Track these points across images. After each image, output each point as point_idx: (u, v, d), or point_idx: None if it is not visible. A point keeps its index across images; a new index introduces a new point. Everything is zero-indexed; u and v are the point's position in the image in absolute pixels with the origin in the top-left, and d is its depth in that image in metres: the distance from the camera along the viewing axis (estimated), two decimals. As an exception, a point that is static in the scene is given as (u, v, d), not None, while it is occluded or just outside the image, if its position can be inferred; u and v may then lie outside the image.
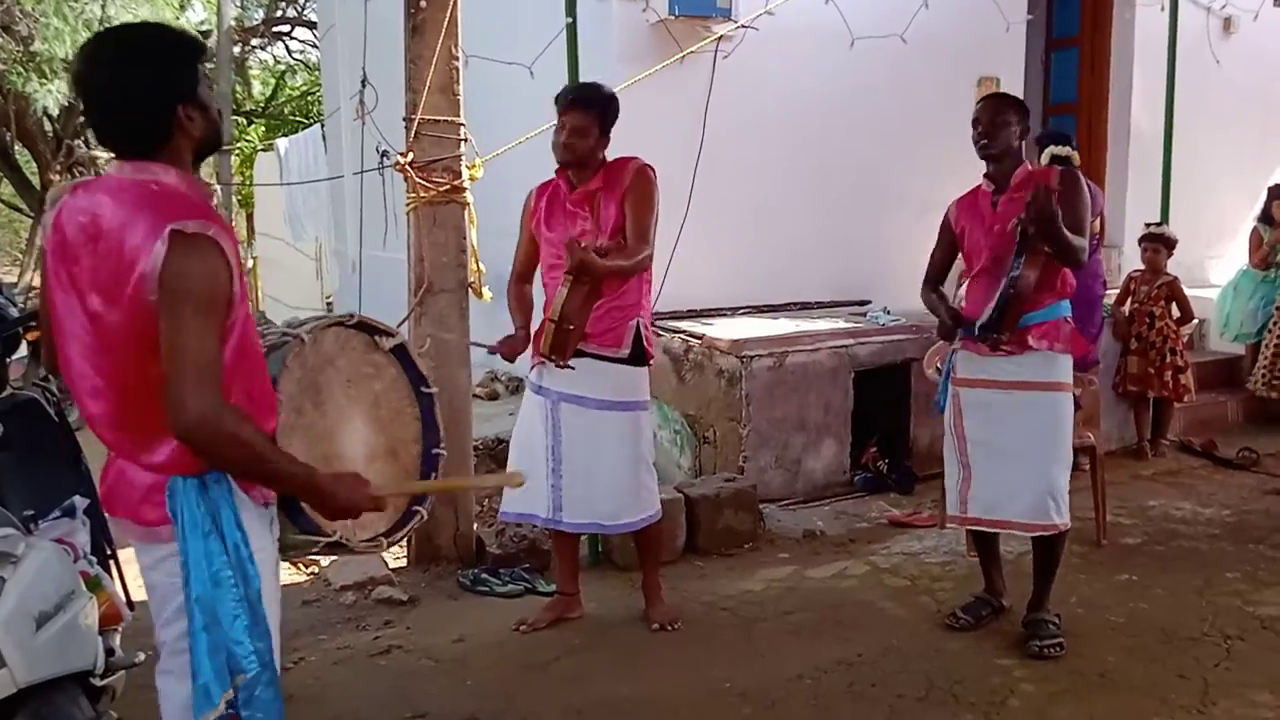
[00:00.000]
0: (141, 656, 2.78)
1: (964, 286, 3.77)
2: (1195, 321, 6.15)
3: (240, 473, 1.92)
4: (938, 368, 3.94)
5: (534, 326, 3.70)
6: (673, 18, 5.58)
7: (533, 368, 3.72)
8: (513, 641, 3.76)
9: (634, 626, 3.86)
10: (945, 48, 6.55)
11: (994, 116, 3.50)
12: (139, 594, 3.16)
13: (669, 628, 3.80)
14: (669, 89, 5.71)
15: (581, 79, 4.39)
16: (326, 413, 2.30)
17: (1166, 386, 5.96)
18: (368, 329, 2.44)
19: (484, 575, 4.33)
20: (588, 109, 3.60)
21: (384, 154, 5.12)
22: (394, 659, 3.64)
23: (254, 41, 17.62)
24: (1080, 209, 3.43)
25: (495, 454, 5.31)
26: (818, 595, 4.14)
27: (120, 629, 2.79)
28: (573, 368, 3.54)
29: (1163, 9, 6.66)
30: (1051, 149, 5.28)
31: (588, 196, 3.63)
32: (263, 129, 19.94)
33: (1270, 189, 6.41)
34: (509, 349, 3.68)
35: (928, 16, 6.47)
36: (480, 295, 4.57)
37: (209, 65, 1.98)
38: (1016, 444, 3.53)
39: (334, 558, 2.67)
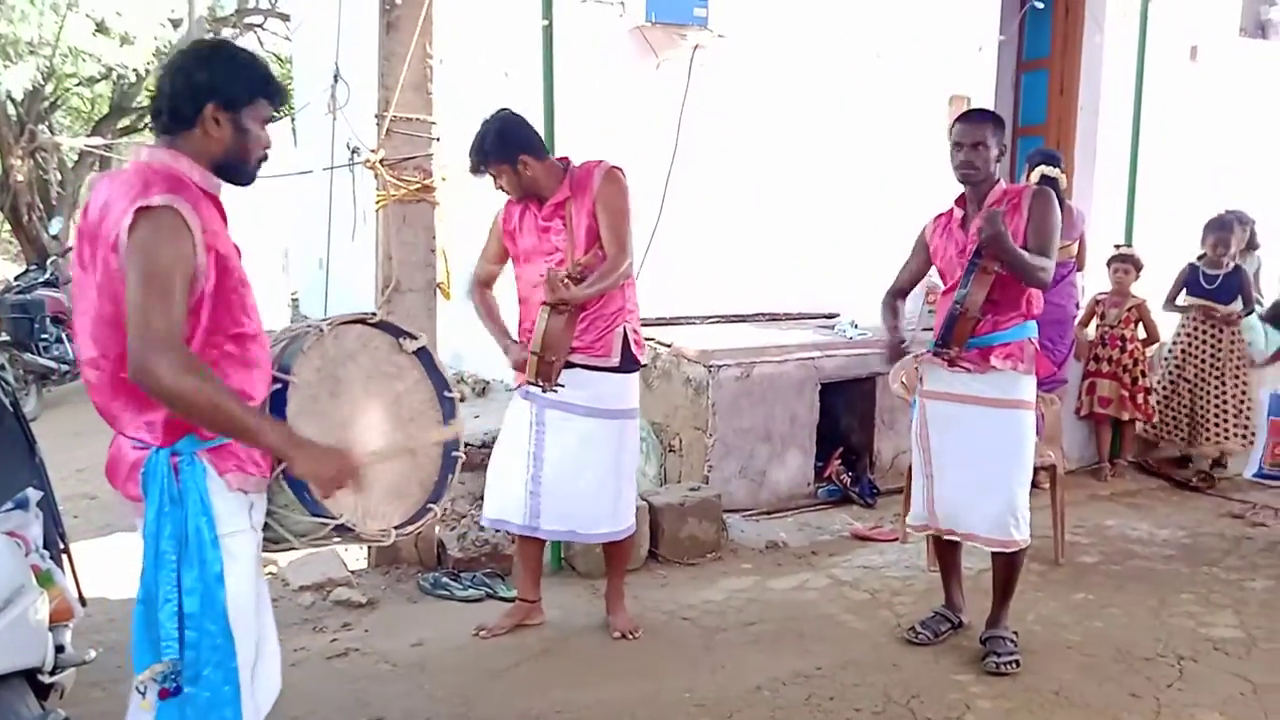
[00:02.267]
0: (93, 654, 2.73)
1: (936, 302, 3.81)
2: (1160, 343, 6.23)
3: (204, 423, 2.01)
4: (903, 383, 3.97)
5: (509, 323, 3.76)
6: (649, 24, 5.59)
7: (519, 386, 3.71)
8: (472, 646, 3.73)
9: (595, 634, 3.84)
10: (918, 65, 6.62)
11: (975, 142, 3.48)
12: (95, 590, 3.12)
13: (630, 636, 3.79)
14: (644, 96, 5.72)
15: (556, 82, 4.38)
16: (342, 404, 2.36)
17: (1138, 408, 6.05)
18: (391, 330, 2.52)
19: (444, 579, 4.29)
20: (498, 164, 3.53)
21: (354, 150, 5.08)
22: (351, 662, 3.60)
23: (225, 32, 17.41)
24: (1047, 229, 3.46)
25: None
26: (779, 607, 4.14)
27: (71, 625, 2.73)
28: (562, 385, 3.52)
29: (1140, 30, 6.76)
30: (1042, 169, 5.35)
31: (558, 209, 3.58)
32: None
33: (1205, 225, 6.45)
34: (515, 361, 3.66)
35: (902, 34, 6.54)
36: (448, 296, 4.54)
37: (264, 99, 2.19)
38: (979, 459, 3.56)
39: (335, 544, 2.69)
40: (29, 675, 2.38)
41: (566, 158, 3.67)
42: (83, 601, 2.97)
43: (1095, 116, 7.71)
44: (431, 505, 2.49)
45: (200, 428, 2.04)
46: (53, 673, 2.50)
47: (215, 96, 2.09)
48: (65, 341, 8.63)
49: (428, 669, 3.55)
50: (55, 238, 10.50)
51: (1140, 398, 6.04)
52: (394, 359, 2.51)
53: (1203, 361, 6.07)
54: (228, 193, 2.21)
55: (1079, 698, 3.35)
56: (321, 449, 2.09)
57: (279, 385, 2.24)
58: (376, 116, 4.21)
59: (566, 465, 3.63)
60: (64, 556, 3.02)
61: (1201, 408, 6.07)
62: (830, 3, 6.41)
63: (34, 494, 2.74)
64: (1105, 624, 3.97)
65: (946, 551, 3.87)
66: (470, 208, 4.78)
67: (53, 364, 8.51)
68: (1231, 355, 6.04)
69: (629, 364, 3.65)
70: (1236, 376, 6.04)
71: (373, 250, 4.45)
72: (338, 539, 2.37)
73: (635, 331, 3.67)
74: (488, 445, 4.14)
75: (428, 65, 4.26)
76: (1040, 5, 6.99)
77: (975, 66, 6.94)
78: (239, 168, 2.17)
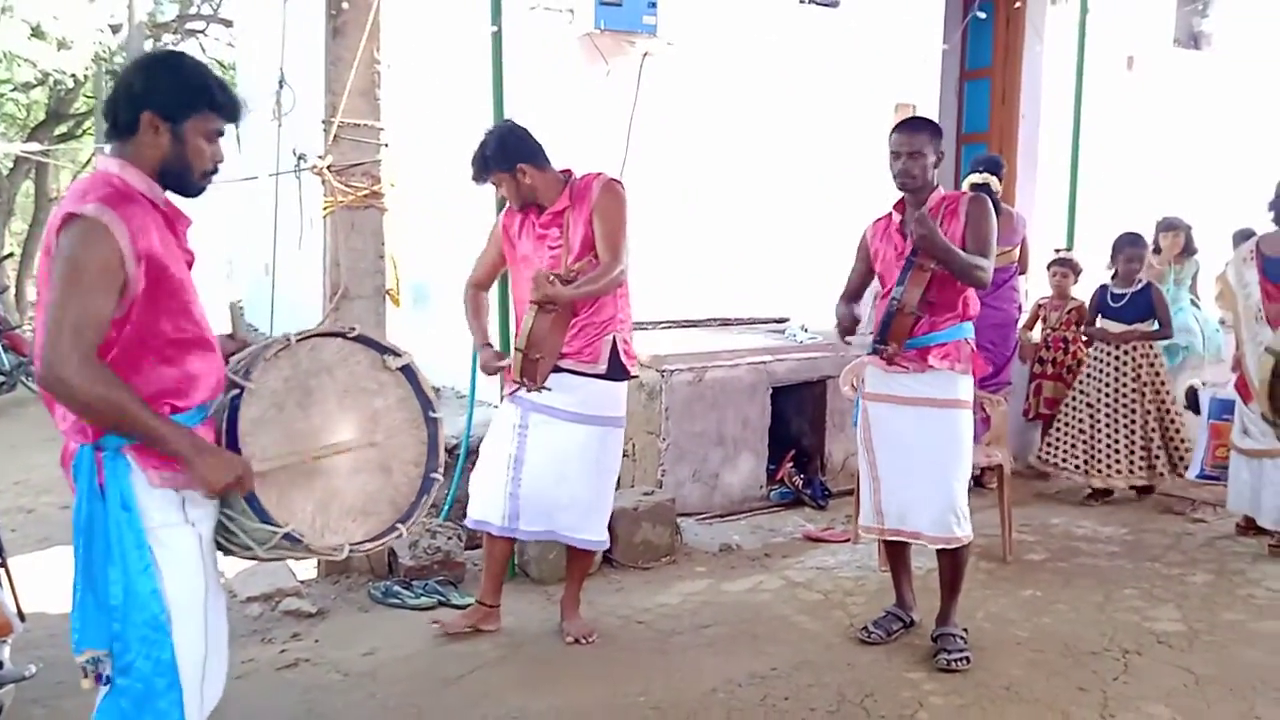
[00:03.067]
0: (33, 669, 2.66)
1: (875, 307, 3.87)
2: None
3: (111, 429, 2.04)
4: (853, 384, 4.02)
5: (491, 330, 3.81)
6: (599, 32, 5.60)
7: (509, 390, 3.72)
8: (424, 655, 3.69)
9: (548, 640, 3.82)
10: (865, 74, 6.71)
11: (913, 150, 3.54)
12: (34, 604, 3.04)
13: (584, 641, 3.78)
14: (593, 103, 5.73)
15: (506, 88, 4.37)
16: (311, 415, 2.33)
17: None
18: (374, 345, 2.49)
19: (396, 587, 4.25)
20: (498, 172, 3.62)
21: (300, 157, 5.02)
22: (301, 672, 3.54)
23: (166, 37, 17.13)
24: (984, 231, 3.53)
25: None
26: (733, 609, 4.16)
27: (10, 640, 2.67)
28: (549, 389, 3.55)
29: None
30: (972, 177, 5.44)
31: (556, 217, 3.63)
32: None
33: (1158, 223, 6.63)
34: (484, 363, 3.78)
35: (848, 42, 6.63)
36: (396, 302, 4.50)
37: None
38: (919, 458, 3.63)
39: (284, 558, 2.66)
40: (-34, 692, 2.31)
41: (569, 170, 3.71)
42: (21, 617, 2.89)
43: (1036, 124, 7.89)
44: (399, 526, 2.45)
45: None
46: (-9, 689, 2.43)
47: (152, 104, 2.10)
48: (2, 351, 8.41)
49: (379, 678, 3.50)
50: (-10, 247, 10.21)
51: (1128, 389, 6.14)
52: (376, 375, 2.48)
53: (1103, 388, 5.64)
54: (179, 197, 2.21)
55: (1029, 693, 3.40)
56: (222, 457, 2.11)
57: (237, 391, 2.22)
58: (324, 122, 4.17)
59: (547, 469, 3.64)
60: (2, 570, 2.95)
61: (1095, 438, 5.64)
62: (778, 12, 6.48)
63: (-30, 506, 2.66)
64: (1053, 620, 4.03)
65: (896, 551, 3.91)
66: (419, 214, 4.76)
67: (-13, 376, 8.29)
68: (1138, 381, 5.58)
69: (617, 372, 3.66)
70: (1148, 404, 5.57)
71: (320, 257, 4.39)
72: (290, 551, 2.33)
73: (626, 342, 3.69)
74: (449, 451, 4.12)
75: (375, 71, 4.22)
76: (982, 16, 7.13)
77: (919, 75, 7.06)
78: (181, 177, 2.17)
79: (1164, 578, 4.55)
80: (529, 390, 3.56)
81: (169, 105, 2.11)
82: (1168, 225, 6.57)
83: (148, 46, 11.55)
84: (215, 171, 2.21)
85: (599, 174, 3.65)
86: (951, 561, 3.73)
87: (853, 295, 3.92)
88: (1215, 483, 5.33)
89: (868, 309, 6.53)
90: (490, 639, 3.81)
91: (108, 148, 2.15)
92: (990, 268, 3.52)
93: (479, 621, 3.84)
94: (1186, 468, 5.52)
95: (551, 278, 3.44)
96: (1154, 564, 4.73)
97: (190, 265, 2.22)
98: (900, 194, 3.68)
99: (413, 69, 4.87)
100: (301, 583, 4.29)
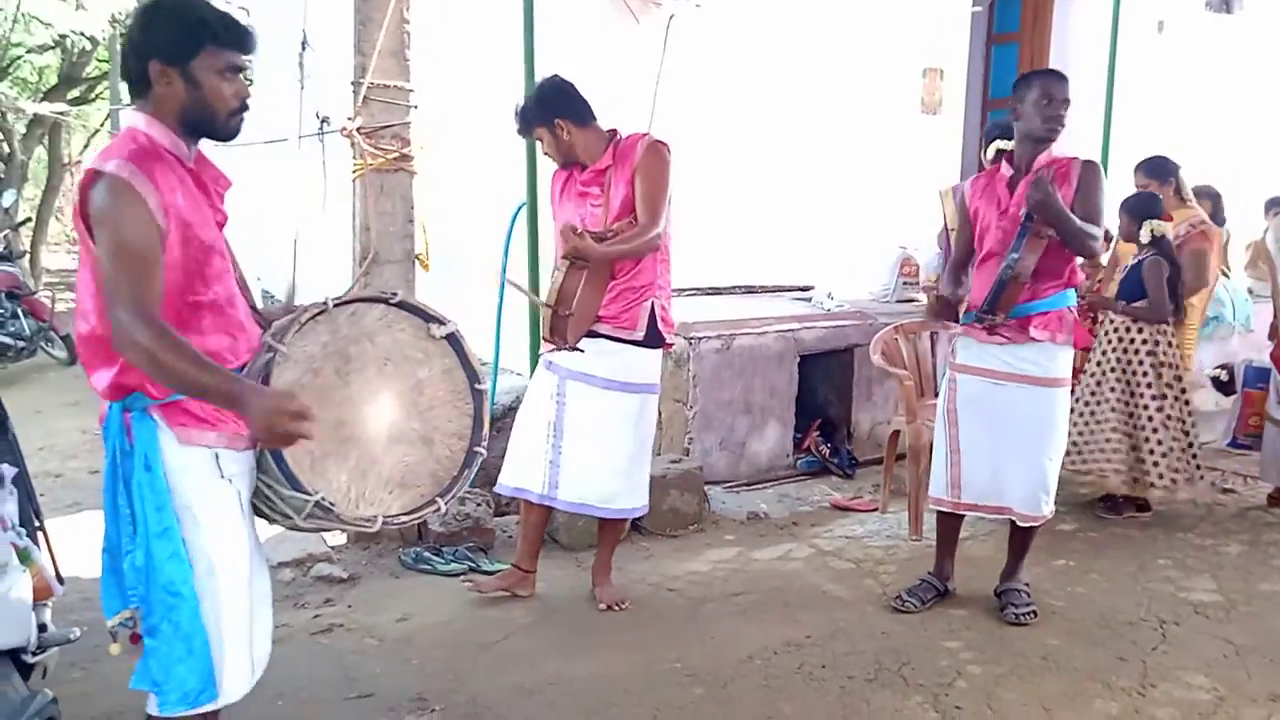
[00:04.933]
0: (77, 633, 2.66)
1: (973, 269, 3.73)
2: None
3: (175, 386, 2.00)
4: (883, 353, 3.93)
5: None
6: (628, -7, 5.50)
7: (545, 352, 3.68)
8: (459, 620, 3.68)
9: (581, 606, 3.82)
10: (892, 36, 6.60)
11: (1066, 98, 3.43)
12: (69, 568, 3.03)
13: (617, 608, 3.77)
14: (622, 66, 5.64)
15: (537, 51, 4.31)
16: (350, 382, 2.28)
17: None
18: (418, 313, 2.41)
19: (426, 553, 4.24)
20: (538, 126, 3.59)
21: (324, 120, 4.96)
22: (336, 638, 3.54)
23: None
24: (1096, 199, 3.43)
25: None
26: (764, 577, 4.14)
27: (51, 603, 2.66)
28: (581, 350, 3.49)
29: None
30: (998, 143, 5.33)
31: (598, 175, 3.58)
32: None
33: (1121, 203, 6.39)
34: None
35: (876, 4, 6.51)
36: (426, 267, 4.47)
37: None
38: (1011, 437, 3.58)
39: (323, 529, 2.63)
40: (13, 655, 2.30)
41: (615, 129, 3.64)
42: (60, 580, 2.89)
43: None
44: (439, 500, 2.39)
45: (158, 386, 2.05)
46: (36, 652, 2.42)
47: (155, 53, 2.04)
48: (21, 317, 8.39)
49: (415, 644, 3.50)
50: (7, 211, 10.18)
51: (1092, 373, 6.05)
52: (421, 344, 2.41)
53: (1106, 375, 4.82)
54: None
55: (1067, 662, 3.38)
56: (277, 398, 2.01)
57: (270, 355, 2.17)
58: (353, 84, 4.11)
59: (587, 438, 3.60)
60: (39, 534, 2.93)
61: (1100, 434, 4.79)
62: (806, -27, 6.36)
63: (9, 470, 2.64)
64: (1088, 590, 4.01)
65: (951, 523, 3.87)
66: (448, 178, 4.71)
67: (9, 340, 8.28)
68: (1141, 370, 4.72)
69: (654, 339, 3.61)
70: (1153, 396, 4.69)
71: (342, 222, 4.35)
72: (324, 520, 2.29)
73: (664, 309, 3.64)
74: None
75: (405, 31, 4.15)
76: (1015, -23, 6.99)
77: (948, 39, 6.94)
78: (210, 122, 2.10)
79: (1197, 548, 4.52)
80: (560, 349, 3.51)
81: (170, 49, 2.04)
82: (1198, 193, 6.46)
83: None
84: (244, 109, 2.13)
85: (645, 134, 3.59)
86: (1026, 530, 3.74)
87: (962, 265, 3.74)
88: (1248, 452, 5.28)
89: (890, 275, 6.52)
90: (524, 604, 3.80)
91: (123, 110, 2.15)
92: (1099, 235, 3.43)
93: (514, 585, 3.83)
94: (1188, 480, 4.70)
95: (580, 231, 3.38)
96: (1186, 534, 4.70)
97: (222, 226, 2.19)
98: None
99: (443, 29, 4.80)
100: (332, 549, 4.29)
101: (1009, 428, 3.57)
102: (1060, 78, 3.53)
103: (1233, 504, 5.14)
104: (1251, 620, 3.74)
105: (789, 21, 6.22)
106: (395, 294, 2.40)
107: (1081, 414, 4.78)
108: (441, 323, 2.43)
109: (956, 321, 3.70)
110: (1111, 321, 4.84)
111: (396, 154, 4.18)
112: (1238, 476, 5.50)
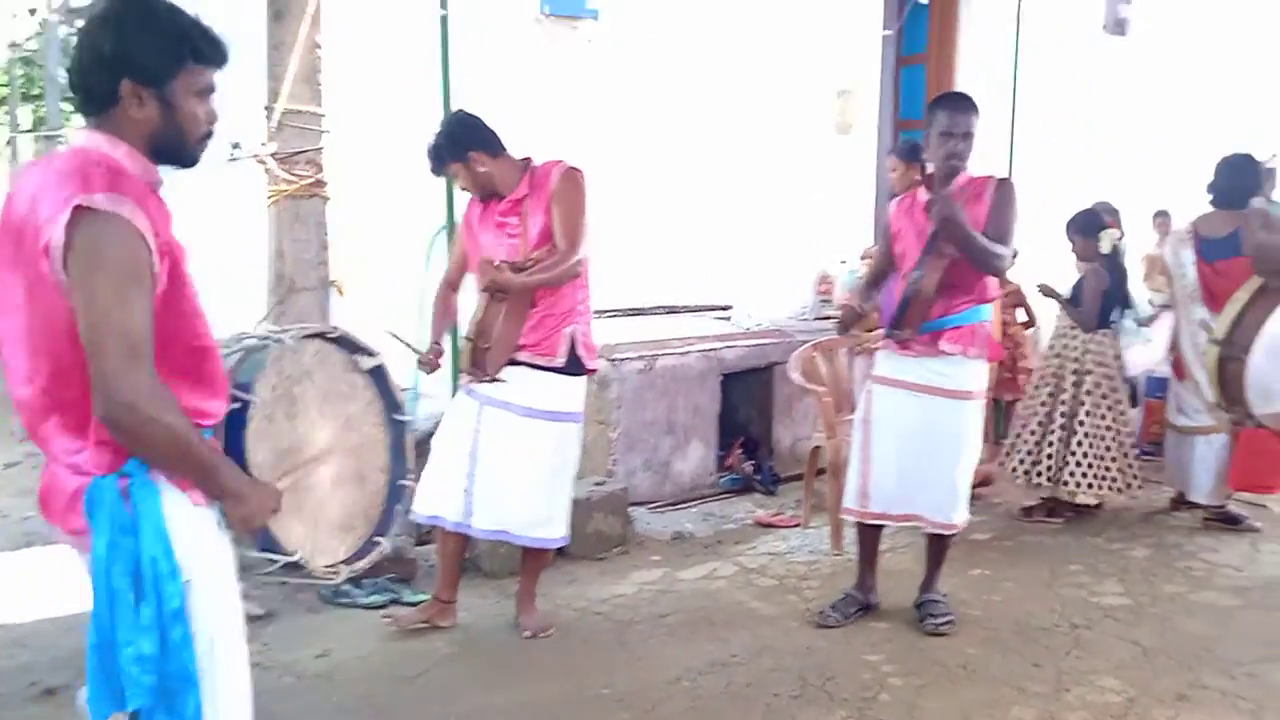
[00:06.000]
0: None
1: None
2: (1038, 327, 6.48)
3: (161, 461, 1.79)
4: (803, 370, 4.01)
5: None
6: (544, 16, 5.53)
7: (465, 382, 3.65)
8: (379, 654, 3.62)
9: (505, 634, 3.78)
10: (806, 59, 6.73)
11: (966, 131, 3.50)
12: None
13: (542, 635, 3.74)
14: (538, 88, 5.65)
15: (453, 73, 4.30)
16: (297, 425, 2.20)
17: (1021, 389, 6.26)
18: (347, 345, 2.34)
19: (346, 586, 4.15)
20: (452, 162, 3.58)
21: (235, 145, 4.86)
22: (253, 677, 3.43)
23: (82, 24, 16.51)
24: (1007, 218, 3.51)
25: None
26: (689, 597, 4.16)
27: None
28: (502, 380, 3.47)
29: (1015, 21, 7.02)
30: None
31: (515, 205, 3.57)
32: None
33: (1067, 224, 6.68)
34: (427, 361, 3.68)
35: (790, 28, 6.64)
36: (342, 293, 4.41)
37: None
38: (925, 446, 3.65)
39: (286, 580, 2.56)
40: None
41: (529, 157, 3.64)
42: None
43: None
44: (379, 539, 2.34)
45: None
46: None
47: (130, 70, 1.77)
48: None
49: (335, 679, 3.43)
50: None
51: (1020, 379, 6.26)
52: (348, 377, 2.35)
53: (1047, 380, 5.13)
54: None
55: (985, 670, 3.46)
56: (268, 491, 1.91)
57: (238, 405, 2.05)
58: (265, 109, 4.04)
59: (503, 465, 3.57)
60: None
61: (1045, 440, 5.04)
62: (719, -3, 6.46)
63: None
64: (1003, 598, 4.11)
65: (869, 535, 3.94)
66: (364, 203, 4.65)
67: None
68: (1077, 377, 4.99)
69: (575, 367, 3.60)
70: (1091, 402, 4.95)
71: (254, 249, 4.26)
72: (284, 576, 2.23)
73: (585, 335, 3.63)
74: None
75: (317, 56, 4.10)
76: (923, 1, 7.19)
77: (860, 61, 7.10)
78: (179, 148, 1.86)
79: (1106, 553, 4.67)
80: (480, 380, 3.51)
81: (150, 68, 1.78)
82: (1103, 211, 6.70)
83: (64, 32, 11.16)
84: (211, 135, 1.90)
85: (559, 162, 3.59)
86: (942, 539, 3.84)
87: (876, 281, 3.85)
88: (1150, 458, 5.48)
89: (809, 293, 6.64)
90: (446, 635, 3.75)
91: (70, 130, 1.93)
92: (1009, 256, 3.51)
93: (434, 616, 3.78)
94: (1120, 489, 4.94)
95: (498, 263, 3.38)
96: (1096, 539, 4.85)
97: (186, 257, 1.95)
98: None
99: (356, 54, 4.75)
100: (247, 585, 4.16)
101: (921, 438, 3.65)
102: (963, 108, 3.57)
103: (1138, 508, 5.32)
104: (1158, 622, 3.87)
105: (705, 44, 6.30)
106: (335, 328, 2.34)
107: (1034, 430, 5.07)
108: (370, 354, 2.39)
109: (863, 331, 3.79)
110: (1059, 328, 5.16)
111: (310, 179, 4.12)
112: (1150, 483, 5.67)
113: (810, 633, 3.77)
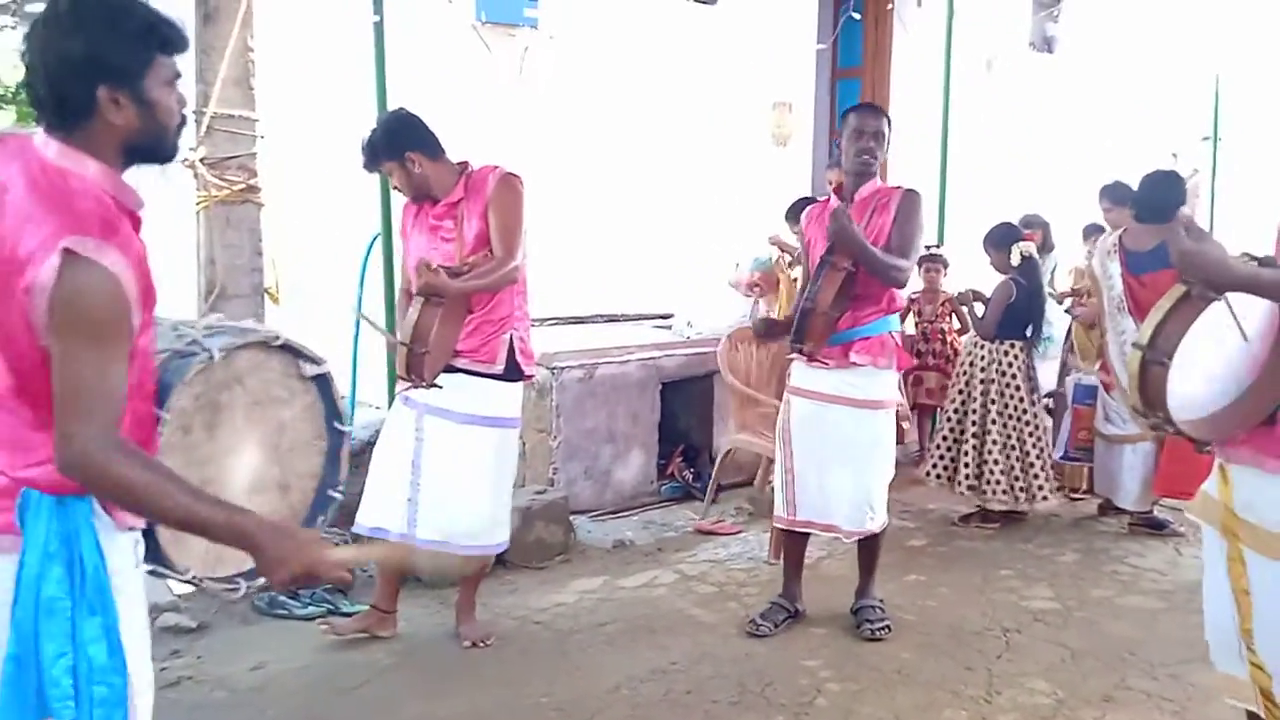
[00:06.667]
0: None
1: None
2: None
3: (134, 512, 1.71)
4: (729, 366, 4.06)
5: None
6: (481, 23, 5.51)
7: (402, 390, 3.60)
8: (316, 666, 3.56)
9: (445, 645, 3.75)
10: (742, 71, 6.81)
11: (875, 130, 3.56)
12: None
13: (481, 645, 3.71)
14: (475, 96, 5.63)
15: (388, 79, 4.26)
16: (217, 435, 2.13)
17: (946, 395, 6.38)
18: (292, 352, 2.26)
19: (282, 597, 4.07)
20: (387, 160, 3.52)
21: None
22: (184, 691, 3.37)
23: (4, 20, 16.04)
24: (910, 230, 3.58)
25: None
26: (630, 605, 4.16)
27: None
28: (439, 386, 3.43)
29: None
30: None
31: (451, 209, 3.54)
32: (14, 117, 18.17)
33: (1020, 220, 6.88)
34: (392, 344, 3.59)
35: (726, 40, 6.71)
36: (276, 300, 4.34)
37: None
38: (837, 455, 3.71)
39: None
40: None
41: (466, 162, 3.61)
42: None
43: (904, 124, 8.13)
44: None
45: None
46: None
47: (106, 74, 1.65)
48: None
49: (269, 692, 3.36)
50: None
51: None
52: (287, 382, 2.27)
53: (972, 392, 5.25)
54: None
55: (919, 674, 3.51)
56: (298, 539, 1.72)
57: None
58: (195, 113, 3.96)
59: (446, 474, 3.54)
60: None
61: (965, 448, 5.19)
62: (658, 9, 6.51)
63: None
64: (937, 603, 4.19)
65: (796, 543, 3.98)
66: (299, 208, 4.59)
67: None
68: (991, 387, 5.15)
69: (513, 372, 3.58)
70: (998, 412, 5.13)
71: (184, 256, 4.18)
72: (180, 578, 2.16)
73: (523, 341, 3.61)
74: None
75: (249, 60, 4.04)
76: (856, 16, 7.31)
77: (796, 74, 7.20)
78: (158, 145, 1.76)
79: (1036, 558, 4.78)
80: (417, 386, 3.46)
81: (124, 69, 1.66)
82: (1026, 223, 6.88)
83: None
84: (185, 122, 1.81)
85: (495, 167, 3.57)
86: (868, 544, 3.89)
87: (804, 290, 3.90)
88: (1078, 464, 5.61)
89: (746, 302, 6.70)
90: (385, 646, 3.71)
91: (38, 137, 1.69)
92: (909, 268, 3.57)
93: (373, 626, 3.73)
94: (1045, 496, 5.12)
95: (434, 267, 3.35)
96: (1026, 545, 4.96)
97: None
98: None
99: (291, 59, 4.68)
100: (179, 597, 4.07)
101: (836, 448, 3.71)
102: (871, 112, 3.68)
103: (1067, 514, 5.45)
104: (1085, 625, 3.98)
105: (644, 55, 6.35)
106: (277, 336, 2.25)
107: (946, 436, 5.25)
108: (315, 361, 2.33)
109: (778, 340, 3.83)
110: (970, 338, 5.37)
111: (243, 185, 4.05)
112: (1067, 491, 5.82)
113: (749, 639, 3.80)
